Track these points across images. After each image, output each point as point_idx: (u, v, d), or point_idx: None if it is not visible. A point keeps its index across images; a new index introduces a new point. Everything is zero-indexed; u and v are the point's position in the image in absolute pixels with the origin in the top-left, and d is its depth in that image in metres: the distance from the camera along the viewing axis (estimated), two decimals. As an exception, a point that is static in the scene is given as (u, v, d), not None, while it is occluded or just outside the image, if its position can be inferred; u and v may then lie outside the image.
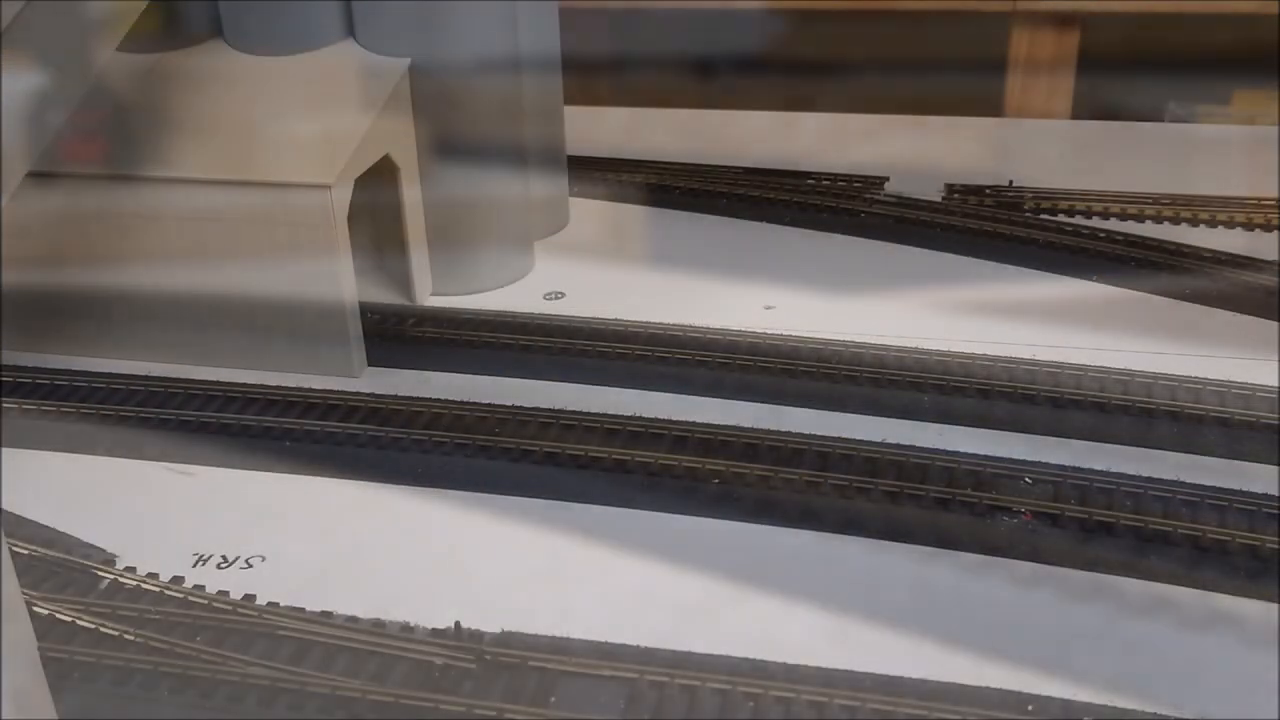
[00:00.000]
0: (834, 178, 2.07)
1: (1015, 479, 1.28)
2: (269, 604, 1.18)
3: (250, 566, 1.25)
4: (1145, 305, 1.66)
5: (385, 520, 1.32)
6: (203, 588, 1.21)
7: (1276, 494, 1.24)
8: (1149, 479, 1.27)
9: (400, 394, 1.50)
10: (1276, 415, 1.35)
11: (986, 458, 1.31)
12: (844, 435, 1.36)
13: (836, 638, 1.11)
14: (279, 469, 1.40)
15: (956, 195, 1.99)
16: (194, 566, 1.25)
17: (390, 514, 1.33)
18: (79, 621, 1.16)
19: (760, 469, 1.31)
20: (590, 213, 2.03)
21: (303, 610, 1.17)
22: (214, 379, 1.55)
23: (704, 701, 1.04)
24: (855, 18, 3.17)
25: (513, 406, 1.45)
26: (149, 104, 1.64)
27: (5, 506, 1.33)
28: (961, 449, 1.33)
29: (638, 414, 1.42)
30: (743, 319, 1.63)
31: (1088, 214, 1.91)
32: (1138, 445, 1.35)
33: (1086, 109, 2.91)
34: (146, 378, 1.55)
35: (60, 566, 1.24)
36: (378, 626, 1.14)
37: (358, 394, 1.50)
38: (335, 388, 1.52)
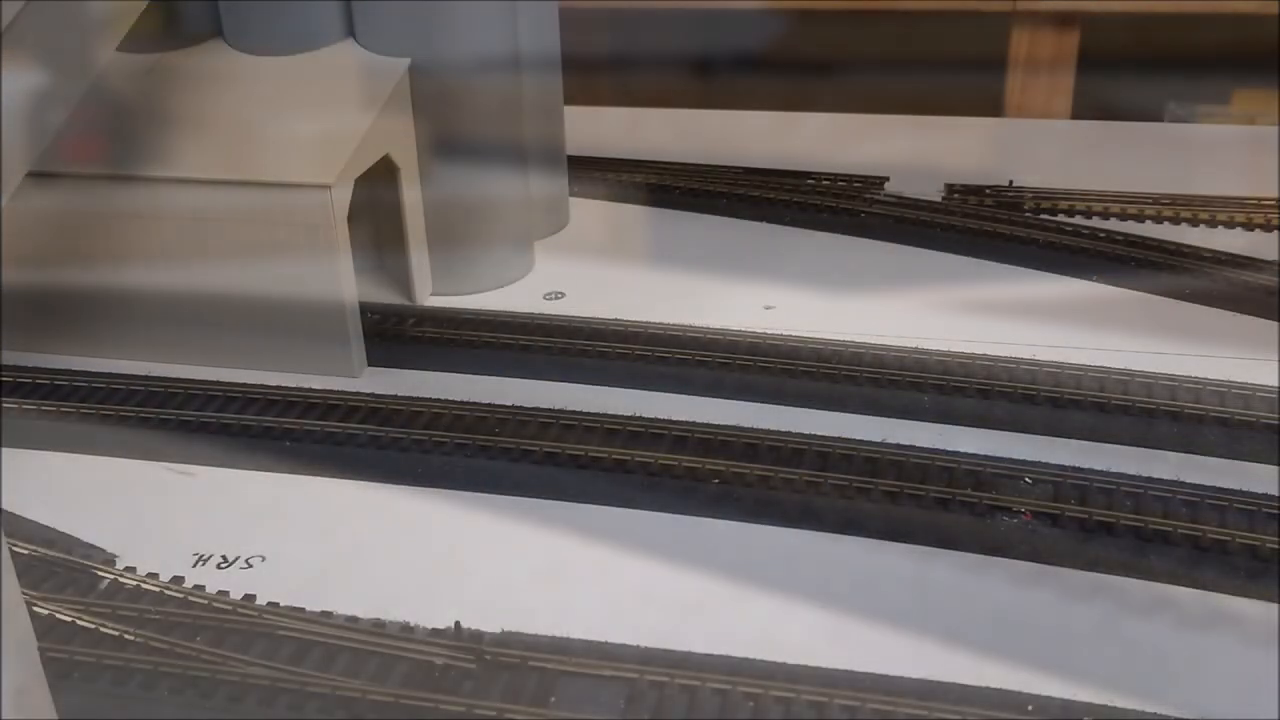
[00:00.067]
0: (834, 178, 2.07)
1: (1015, 479, 1.28)
2: (269, 604, 1.18)
3: (250, 566, 1.25)
4: (1145, 305, 1.66)
5: (385, 520, 1.32)
6: (203, 588, 1.21)
7: (1276, 494, 1.24)
8: (1149, 479, 1.27)
9: (400, 394, 1.50)
10: (1276, 415, 1.35)
11: (986, 458, 1.31)
12: (844, 435, 1.36)
13: (836, 638, 1.11)
14: (279, 469, 1.40)
15: (956, 195, 1.99)
16: (194, 566, 1.25)
17: (390, 514, 1.33)
18: (79, 621, 1.16)
19: (760, 469, 1.31)
20: (590, 213, 2.03)
21: (303, 610, 1.17)
22: (214, 379, 1.55)
23: (704, 701, 1.04)
24: (855, 18, 3.17)
25: (513, 406, 1.45)
26: (149, 104, 1.64)
27: (5, 506, 1.33)
28: (961, 449, 1.33)
29: (638, 414, 1.42)
30: (743, 319, 1.63)
31: (1088, 214, 1.91)
32: (1138, 445, 1.35)
33: (1086, 109, 2.91)
34: (146, 378, 1.55)
35: (60, 566, 1.24)
36: (378, 626, 1.14)
37: (358, 394, 1.50)
38: (335, 388, 1.52)
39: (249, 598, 1.19)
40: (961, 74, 2.90)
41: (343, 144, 1.53)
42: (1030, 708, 1.02)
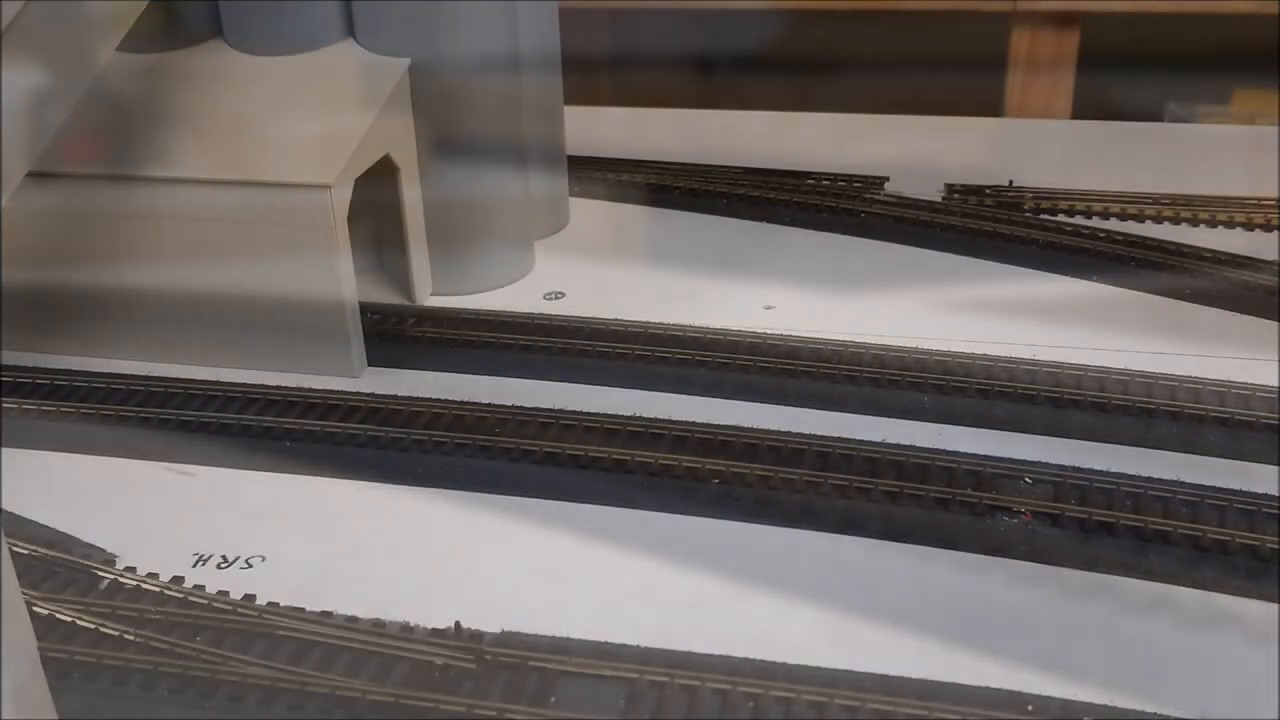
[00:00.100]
0: (834, 178, 2.07)
1: (1015, 479, 1.28)
2: (269, 604, 1.18)
3: (250, 566, 1.25)
4: (1145, 305, 1.66)
5: (385, 520, 1.32)
6: (203, 588, 1.21)
7: (1276, 494, 1.24)
8: (1149, 479, 1.27)
9: (400, 394, 1.50)
10: (1276, 415, 1.35)
11: (986, 458, 1.31)
12: (844, 435, 1.36)
13: (836, 638, 1.11)
14: (279, 469, 1.40)
15: (956, 195, 1.99)
16: (194, 566, 1.25)
17: (390, 514, 1.33)
18: (79, 621, 1.16)
19: (760, 469, 1.31)
20: (590, 213, 2.03)
21: (303, 610, 1.17)
22: (214, 379, 1.55)
23: (704, 701, 1.04)
24: (855, 18, 3.17)
25: (513, 406, 1.45)
26: (149, 104, 1.64)
27: (5, 506, 1.33)
28: (961, 449, 1.33)
29: (638, 414, 1.42)
30: (743, 319, 1.63)
31: (1088, 214, 1.91)
32: (1138, 445, 1.35)
33: (1086, 109, 2.91)
34: (146, 378, 1.55)
35: (60, 566, 1.24)
36: (378, 626, 1.14)
37: (358, 394, 1.50)
38: (335, 388, 1.52)
39: (249, 598, 1.19)
40: (961, 74, 2.90)
41: (343, 144, 1.53)
42: (1030, 708, 1.02)
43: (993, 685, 1.04)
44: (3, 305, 1.61)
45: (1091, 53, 2.91)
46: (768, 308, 1.68)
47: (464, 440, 1.39)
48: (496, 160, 1.73)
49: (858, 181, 2.05)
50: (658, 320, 1.61)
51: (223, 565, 1.25)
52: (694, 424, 1.39)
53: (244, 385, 1.53)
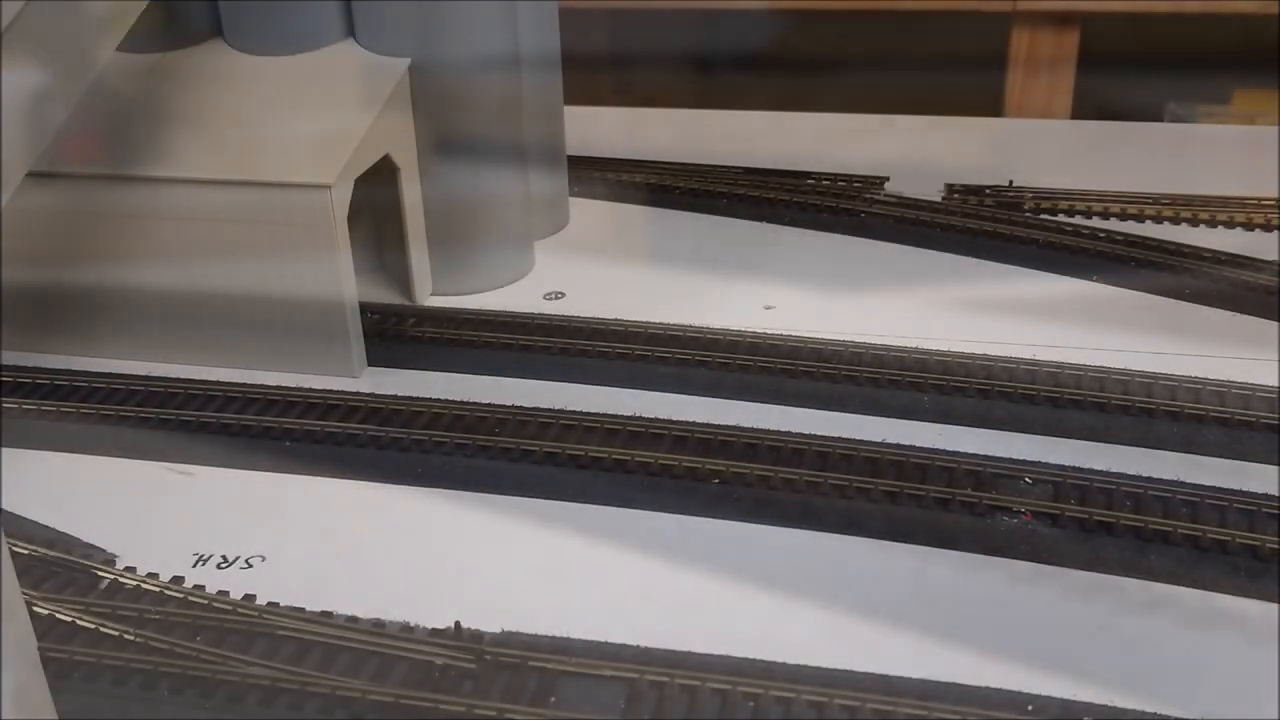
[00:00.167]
0: (834, 178, 2.07)
1: (1015, 479, 1.28)
2: (269, 604, 1.18)
3: (250, 566, 1.25)
4: (1145, 305, 1.66)
5: (385, 520, 1.32)
6: (203, 588, 1.21)
7: (1276, 494, 1.24)
8: (1149, 479, 1.27)
9: (400, 394, 1.50)
10: (1276, 415, 1.35)
11: (986, 458, 1.31)
12: (844, 435, 1.36)
13: (836, 637, 1.11)
14: (279, 469, 1.40)
15: (956, 195, 1.99)
16: (194, 566, 1.25)
17: (390, 514, 1.33)
18: (79, 621, 1.16)
19: (760, 469, 1.31)
20: (590, 213, 2.03)
21: (303, 610, 1.17)
22: (214, 379, 1.55)
23: (704, 701, 1.04)
24: (855, 17, 3.17)
25: (513, 406, 1.45)
26: (149, 104, 1.64)
27: (5, 506, 1.33)
28: (961, 449, 1.33)
29: (638, 414, 1.42)
30: (743, 319, 1.63)
31: (1088, 214, 1.91)
32: (1138, 445, 1.35)
33: (1086, 109, 2.91)
34: (146, 378, 1.55)
35: (60, 566, 1.24)
36: (378, 626, 1.14)
37: (358, 394, 1.50)
38: (335, 388, 1.52)
39: (249, 598, 1.19)
40: (961, 74, 2.90)
41: (343, 144, 1.53)
42: (1030, 708, 1.02)
43: (993, 685, 1.04)
44: (3, 305, 1.61)
45: (1091, 53, 2.92)
46: (768, 308, 1.68)
47: (464, 440, 1.39)
48: (496, 160, 1.73)
49: (858, 181, 2.05)
50: (658, 320, 1.61)
51: (223, 565, 1.25)
52: (694, 424, 1.39)
53: (244, 385, 1.53)
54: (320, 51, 1.66)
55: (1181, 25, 2.84)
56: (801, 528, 1.26)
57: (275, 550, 1.27)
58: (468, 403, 1.46)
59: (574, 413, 1.42)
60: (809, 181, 2.07)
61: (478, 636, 1.11)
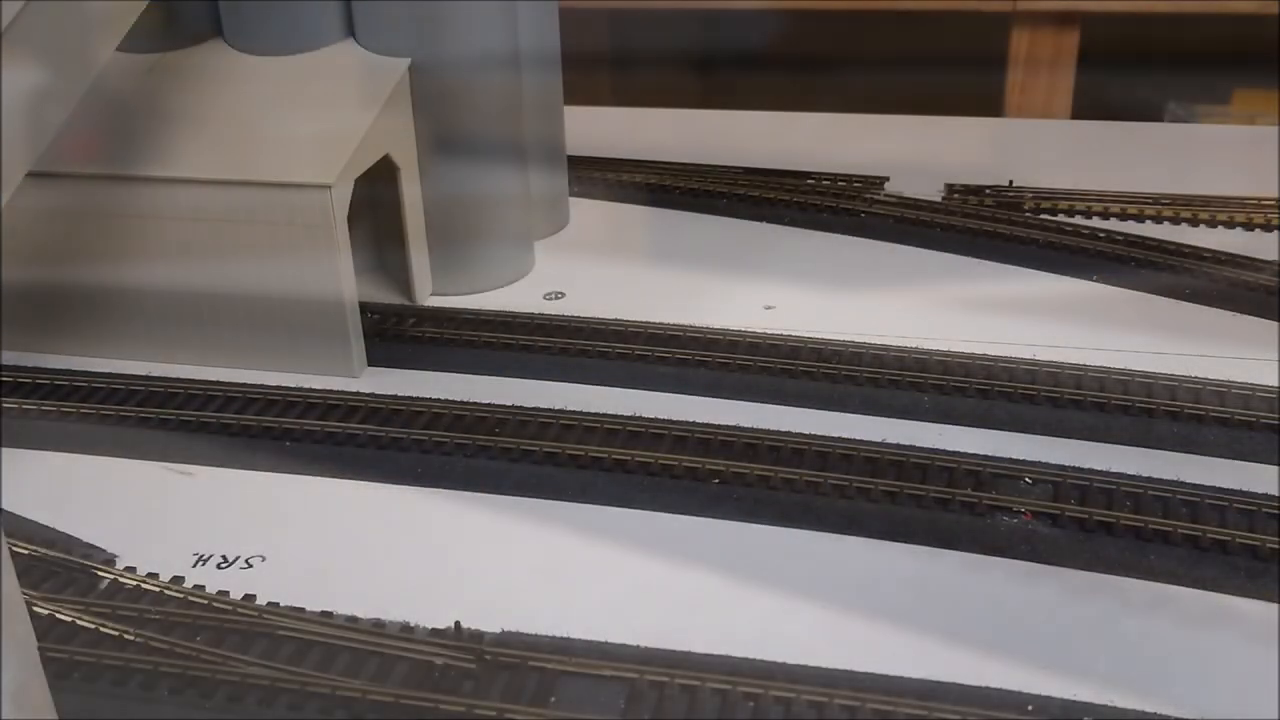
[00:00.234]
0: (834, 178, 2.07)
1: (1015, 479, 1.28)
2: (269, 604, 1.18)
3: (250, 566, 1.25)
4: (1145, 305, 1.66)
5: (385, 520, 1.32)
6: (203, 588, 1.21)
7: (1276, 494, 1.24)
8: (1149, 479, 1.27)
9: (400, 394, 1.50)
10: (1276, 415, 1.35)
11: (986, 458, 1.31)
12: (844, 435, 1.36)
13: (836, 637, 1.11)
14: (279, 469, 1.40)
15: (956, 195, 1.99)
16: (194, 566, 1.25)
17: (390, 514, 1.33)
18: (79, 621, 1.16)
19: (760, 469, 1.31)
20: (590, 212, 2.03)
21: (303, 610, 1.17)
22: (214, 379, 1.55)
23: (704, 701, 1.04)
24: (855, 17, 3.17)
25: (513, 406, 1.45)
26: (149, 104, 1.64)
27: (5, 506, 1.33)
28: (961, 449, 1.33)
29: (638, 414, 1.42)
30: (743, 319, 1.63)
31: (1088, 214, 1.91)
32: (1138, 445, 1.35)
33: (1086, 109, 2.91)
34: (146, 378, 1.55)
35: (60, 566, 1.24)
36: (378, 626, 1.14)
37: (358, 394, 1.50)
38: (335, 388, 1.52)
39: (249, 598, 1.19)
40: (961, 74, 2.90)
41: (343, 144, 1.53)
42: (1030, 708, 1.02)
43: (993, 685, 1.04)
44: (3, 305, 1.61)
45: (1091, 52, 2.92)
46: (768, 308, 1.68)
47: (464, 440, 1.39)
48: (496, 160, 1.73)
49: (858, 181, 2.05)
50: (658, 320, 1.61)
51: (223, 565, 1.25)
52: (694, 424, 1.39)
53: (244, 385, 1.53)
54: (320, 51, 1.66)
55: (1181, 25, 2.84)
56: (801, 528, 1.26)
57: (275, 550, 1.27)
58: (468, 403, 1.46)
59: (574, 413, 1.42)
60: (809, 181, 2.07)
61: (478, 636, 1.11)
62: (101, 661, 1.11)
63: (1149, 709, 1.01)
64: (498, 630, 1.13)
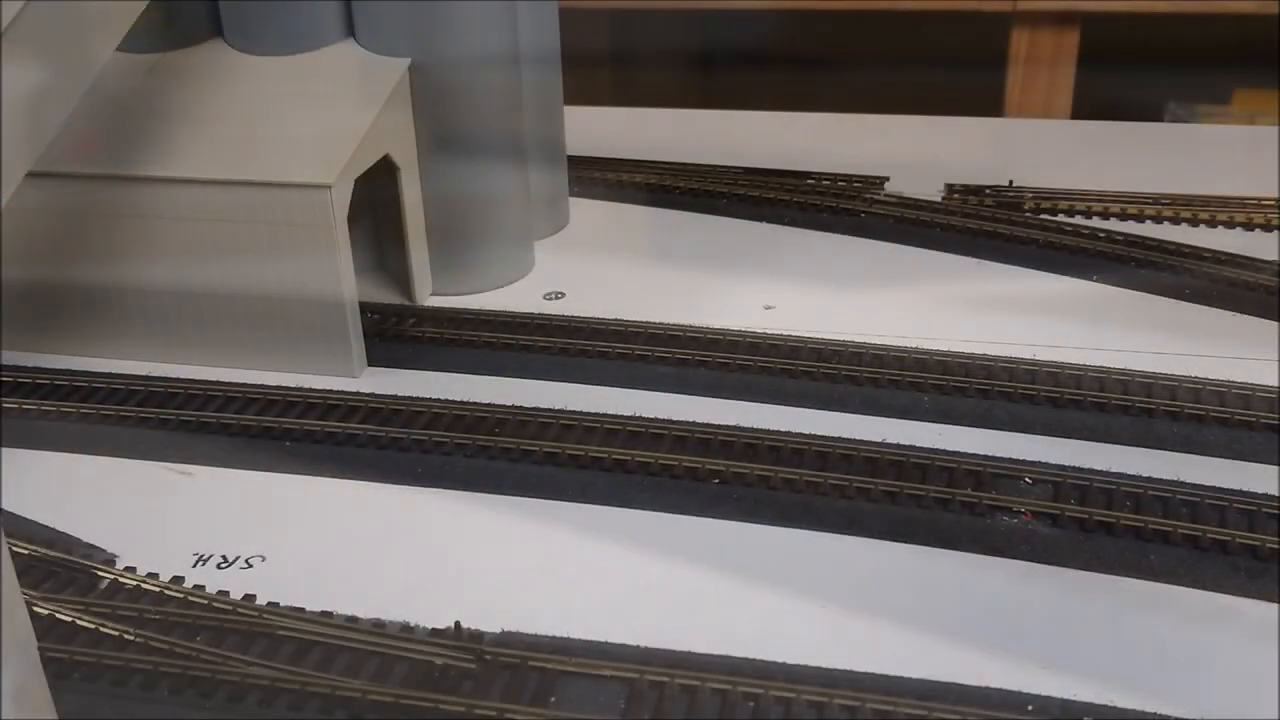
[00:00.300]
0: (834, 178, 2.07)
1: (1015, 479, 1.28)
2: (269, 604, 1.18)
3: (250, 566, 1.25)
4: (1145, 305, 1.66)
5: (385, 520, 1.32)
6: (203, 588, 1.21)
7: (1276, 494, 1.24)
8: (1149, 479, 1.27)
9: (400, 394, 1.50)
10: (1276, 415, 1.35)
11: (986, 458, 1.31)
12: (844, 435, 1.36)
13: (837, 637, 1.11)
14: (279, 469, 1.40)
15: (956, 195, 1.99)
16: (194, 566, 1.25)
17: (390, 513, 1.33)
18: (79, 621, 1.16)
19: (760, 469, 1.31)
20: (590, 212, 2.03)
21: (303, 610, 1.17)
22: (214, 379, 1.55)
23: (704, 701, 1.04)
24: (855, 18, 3.17)
25: (513, 406, 1.45)
26: (149, 104, 1.64)
27: (5, 506, 1.33)
28: (961, 449, 1.33)
29: (638, 414, 1.42)
30: (743, 319, 1.63)
31: (1088, 214, 1.91)
32: (1138, 445, 1.35)
33: (1086, 108, 2.92)
34: (147, 378, 1.55)
35: (60, 566, 1.24)
36: (378, 626, 1.14)
37: (358, 394, 1.50)
38: (335, 388, 1.52)
39: (249, 598, 1.19)
40: (961, 73, 2.90)
41: (343, 144, 1.53)
42: (1030, 708, 1.02)
43: (993, 685, 1.04)
44: (3, 305, 1.61)
45: (1091, 52, 2.92)
46: (768, 308, 1.68)
47: (464, 440, 1.39)
48: (496, 160, 1.73)
49: (858, 181, 2.05)
50: (658, 320, 1.61)
51: (223, 565, 1.25)
52: (694, 424, 1.39)
53: (244, 385, 1.53)
54: (320, 51, 1.66)
55: (1181, 25, 2.84)
56: (801, 528, 1.26)
57: (275, 550, 1.27)
58: (468, 403, 1.46)
59: (574, 413, 1.42)
60: (809, 181, 2.07)
61: (478, 636, 1.11)
62: (101, 661, 1.11)
63: (1149, 709, 1.01)
64: (498, 630, 1.13)
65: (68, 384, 1.55)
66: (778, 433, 1.37)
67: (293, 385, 1.52)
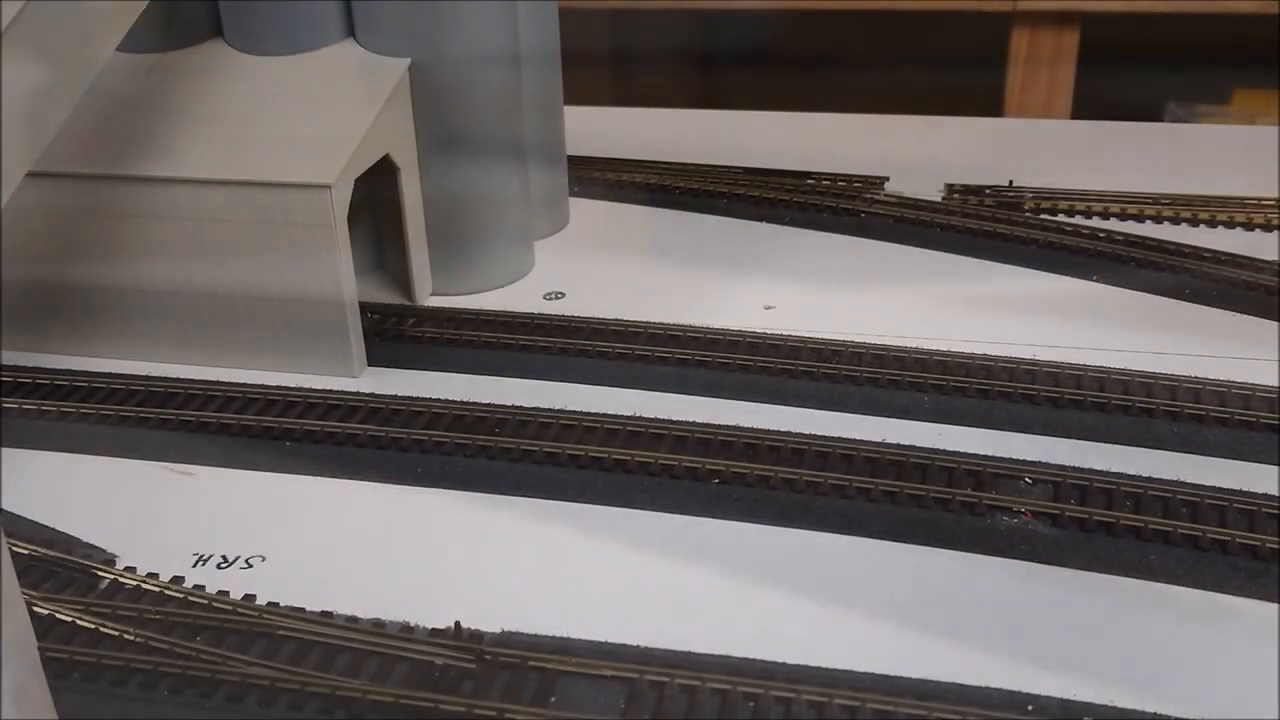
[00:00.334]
0: (834, 178, 2.07)
1: (1015, 479, 1.28)
2: (269, 604, 1.18)
3: (250, 566, 1.25)
4: (1145, 305, 1.66)
5: (385, 520, 1.32)
6: (203, 588, 1.21)
7: (1276, 494, 1.24)
8: (1149, 479, 1.27)
9: (400, 394, 1.50)
10: (1276, 415, 1.35)
11: (986, 457, 1.31)
12: (844, 435, 1.36)
13: (836, 637, 1.11)
14: (279, 469, 1.40)
15: (956, 195, 1.99)
16: (194, 566, 1.25)
17: (390, 513, 1.33)
18: (79, 621, 1.16)
19: (760, 469, 1.31)
20: (590, 212, 2.03)
21: (303, 610, 1.17)
22: (214, 379, 1.55)
23: (704, 701, 1.04)
24: (855, 17, 3.18)
25: (513, 406, 1.45)
26: (149, 104, 1.64)
27: (5, 506, 1.33)
28: (961, 449, 1.33)
29: (638, 414, 1.42)
30: (743, 319, 1.63)
31: (1088, 214, 1.91)
32: (1138, 445, 1.35)
33: (1086, 108, 2.92)
34: (146, 378, 1.55)
35: (60, 566, 1.24)
36: (378, 626, 1.14)
37: (358, 394, 1.50)
38: (335, 388, 1.52)
39: (249, 598, 1.19)
40: (962, 73, 2.90)
41: (343, 144, 1.53)
42: (1030, 708, 1.02)
43: (993, 685, 1.04)
44: (3, 305, 1.61)
45: (1091, 52, 2.92)
46: (768, 308, 1.68)
47: (464, 440, 1.39)
48: (496, 160, 1.73)
49: (858, 181, 2.05)
50: (658, 320, 1.61)
51: (223, 565, 1.25)
52: (694, 424, 1.39)
53: (244, 385, 1.53)
54: (320, 51, 1.66)
55: (1181, 25, 2.84)
56: (801, 528, 1.26)
57: (275, 550, 1.27)
58: (468, 403, 1.46)
59: (574, 413, 1.42)
60: (809, 181, 2.07)
61: (478, 636, 1.12)
62: (101, 661, 1.11)
63: (1149, 709, 1.01)
64: (498, 630, 1.13)
65: (68, 384, 1.55)
66: (778, 433, 1.37)
67: (293, 385, 1.52)
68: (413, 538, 1.29)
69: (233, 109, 1.62)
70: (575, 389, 1.51)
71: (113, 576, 1.22)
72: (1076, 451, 1.33)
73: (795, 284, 1.75)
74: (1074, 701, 1.02)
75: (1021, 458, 1.31)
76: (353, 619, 1.15)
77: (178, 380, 1.55)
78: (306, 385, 1.52)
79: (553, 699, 1.05)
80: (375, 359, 1.59)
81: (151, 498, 1.37)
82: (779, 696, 1.03)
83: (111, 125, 1.61)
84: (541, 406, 1.44)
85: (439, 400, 1.47)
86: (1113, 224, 1.88)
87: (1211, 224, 1.87)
